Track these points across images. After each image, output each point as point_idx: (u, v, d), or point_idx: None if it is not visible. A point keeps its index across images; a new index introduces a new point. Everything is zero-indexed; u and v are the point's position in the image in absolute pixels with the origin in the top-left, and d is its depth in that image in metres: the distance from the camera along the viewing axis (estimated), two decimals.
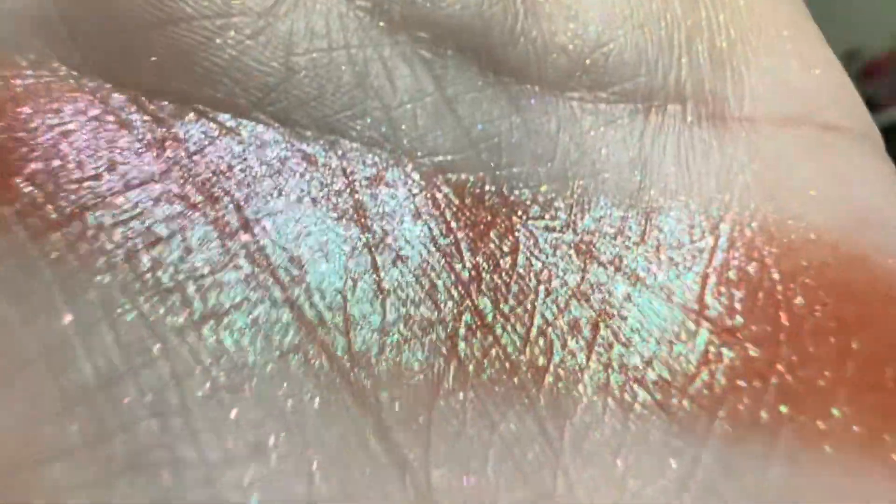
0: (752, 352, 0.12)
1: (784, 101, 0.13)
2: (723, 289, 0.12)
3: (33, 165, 0.12)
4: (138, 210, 0.12)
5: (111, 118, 0.12)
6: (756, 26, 0.13)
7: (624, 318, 0.12)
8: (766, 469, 0.11)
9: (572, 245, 0.13)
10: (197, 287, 0.11)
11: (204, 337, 0.11)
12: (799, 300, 0.12)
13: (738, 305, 0.12)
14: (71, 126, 0.12)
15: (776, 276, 0.12)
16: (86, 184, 0.12)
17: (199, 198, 0.12)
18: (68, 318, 0.11)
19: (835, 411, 0.12)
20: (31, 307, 0.11)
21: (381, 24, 0.13)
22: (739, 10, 0.13)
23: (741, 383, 0.12)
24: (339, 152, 0.13)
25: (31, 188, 0.12)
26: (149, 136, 0.12)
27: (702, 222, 0.13)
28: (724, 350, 0.12)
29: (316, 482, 0.11)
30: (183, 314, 0.11)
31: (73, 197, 0.12)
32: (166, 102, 0.12)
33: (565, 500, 0.11)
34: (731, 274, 0.12)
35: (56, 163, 0.12)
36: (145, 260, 0.11)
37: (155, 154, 0.12)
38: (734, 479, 0.11)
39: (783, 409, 0.12)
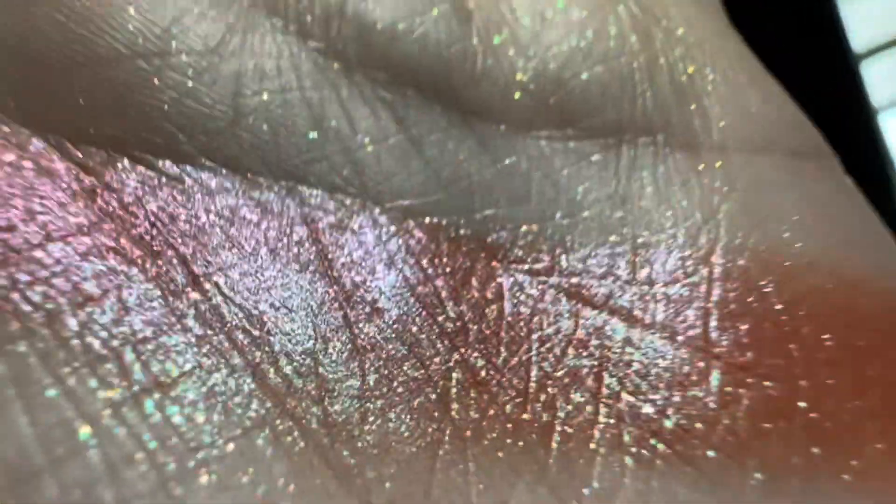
0: (771, 389, 0.11)
1: (751, 131, 0.13)
2: (727, 323, 0.11)
3: None
4: (62, 266, 0.10)
5: (29, 164, 0.10)
6: (710, 62, 0.13)
7: (628, 364, 0.11)
8: None
9: (560, 288, 0.12)
10: (136, 353, 0.09)
11: (147, 414, 0.09)
12: (806, 330, 0.11)
13: (745, 340, 0.11)
14: None
15: (779, 306, 0.12)
16: None
17: (138, 252, 0.10)
18: None
19: (869, 447, 0.11)
20: None
21: (337, 65, 0.12)
22: (691, 47, 0.13)
23: (766, 426, 0.11)
24: (298, 199, 0.11)
25: None
26: (75, 185, 0.10)
27: (693, 255, 0.12)
28: (742, 390, 0.11)
29: None
30: (120, 386, 0.09)
31: None
32: (95, 149, 0.11)
33: None
34: (733, 307, 0.12)
35: None
36: (71, 323, 0.09)
37: (83, 204, 0.10)
38: None
39: (815, 450, 0.11)
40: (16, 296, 0.09)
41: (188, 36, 0.11)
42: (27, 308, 0.09)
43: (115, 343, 0.09)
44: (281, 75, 0.11)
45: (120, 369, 0.09)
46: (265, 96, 0.11)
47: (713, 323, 0.11)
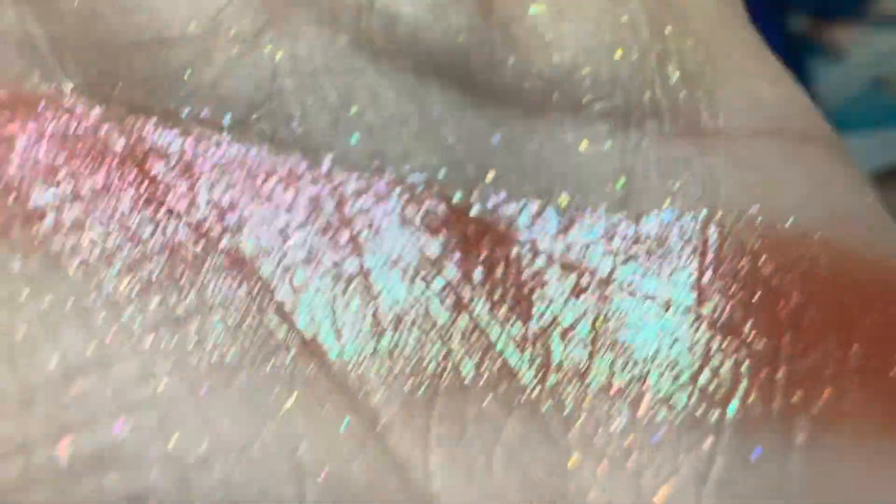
0: (756, 344, 0.12)
1: (757, 115, 0.14)
2: (718, 285, 0.12)
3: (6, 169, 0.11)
4: (118, 213, 0.11)
5: (90, 133, 0.12)
6: (721, 52, 0.14)
7: (622, 320, 0.12)
8: (784, 460, 0.11)
9: (564, 254, 0.13)
10: (175, 287, 0.11)
11: (186, 334, 0.10)
12: (796, 293, 0.12)
13: (735, 300, 0.12)
14: (45, 135, 0.12)
15: (770, 269, 0.12)
16: (59, 188, 0.11)
17: (181, 205, 0.12)
18: (35, 308, 0.10)
19: (847, 398, 0.11)
20: None
21: (364, 53, 0.13)
22: (704, 38, 0.14)
23: (748, 374, 0.11)
24: (325, 168, 0.12)
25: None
26: (128, 151, 0.12)
27: (690, 224, 0.13)
28: (727, 343, 0.12)
29: (308, 482, 0.10)
30: (160, 312, 0.10)
31: (51, 192, 0.11)
32: (149, 118, 0.12)
33: (580, 502, 0.10)
34: (726, 270, 0.12)
35: (27, 169, 0.11)
36: (117, 265, 0.11)
37: (136, 165, 0.12)
38: (752, 471, 0.11)
39: (795, 398, 0.11)
40: (72, 238, 0.11)
41: (232, 24, 0.12)
42: (85, 243, 0.11)
43: (155, 276, 0.11)
44: (313, 60, 0.13)
45: (162, 298, 0.11)
46: (299, 77, 0.13)
47: (705, 285, 0.12)
